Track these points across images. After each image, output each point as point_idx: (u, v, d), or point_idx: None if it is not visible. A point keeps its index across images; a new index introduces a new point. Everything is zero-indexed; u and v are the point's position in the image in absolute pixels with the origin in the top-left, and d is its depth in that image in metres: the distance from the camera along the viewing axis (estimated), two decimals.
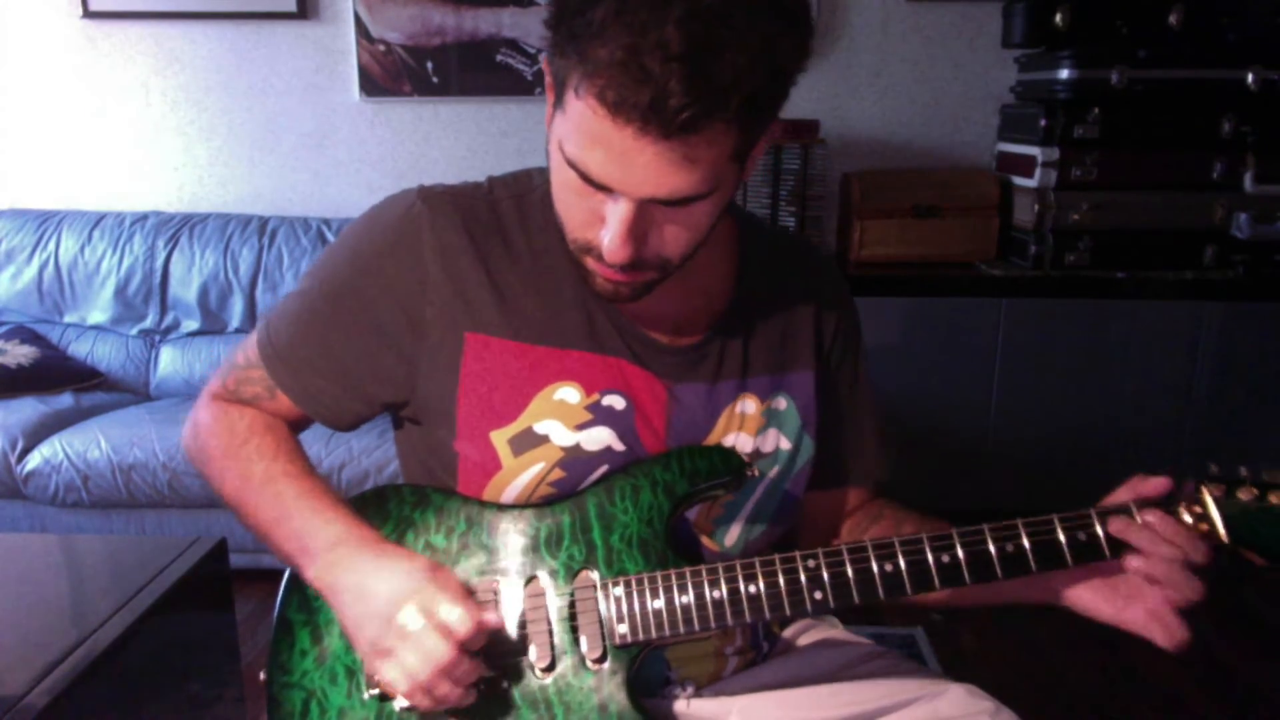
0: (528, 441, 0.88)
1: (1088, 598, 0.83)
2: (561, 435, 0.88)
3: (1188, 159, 2.55)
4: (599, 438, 0.89)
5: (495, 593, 0.86)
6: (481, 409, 0.88)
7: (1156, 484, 0.79)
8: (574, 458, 0.89)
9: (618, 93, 0.67)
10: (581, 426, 0.89)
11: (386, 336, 0.90)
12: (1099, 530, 0.79)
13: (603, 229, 0.77)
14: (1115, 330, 2.52)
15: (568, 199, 0.79)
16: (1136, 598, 0.79)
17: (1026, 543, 0.79)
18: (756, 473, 0.92)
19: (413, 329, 0.89)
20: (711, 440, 0.92)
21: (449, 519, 0.89)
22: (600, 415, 0.89)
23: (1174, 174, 2.56)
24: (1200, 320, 2.50)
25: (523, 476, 0.88)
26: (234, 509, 0.92)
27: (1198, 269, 2.56)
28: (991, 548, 0.80)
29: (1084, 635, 2.27)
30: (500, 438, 0.88)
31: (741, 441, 0.93)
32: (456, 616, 0.77)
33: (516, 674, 0.84)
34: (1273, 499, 0.76)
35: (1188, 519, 0.78)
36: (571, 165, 0.75)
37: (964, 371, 2.57)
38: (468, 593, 0.81)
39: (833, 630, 1.09)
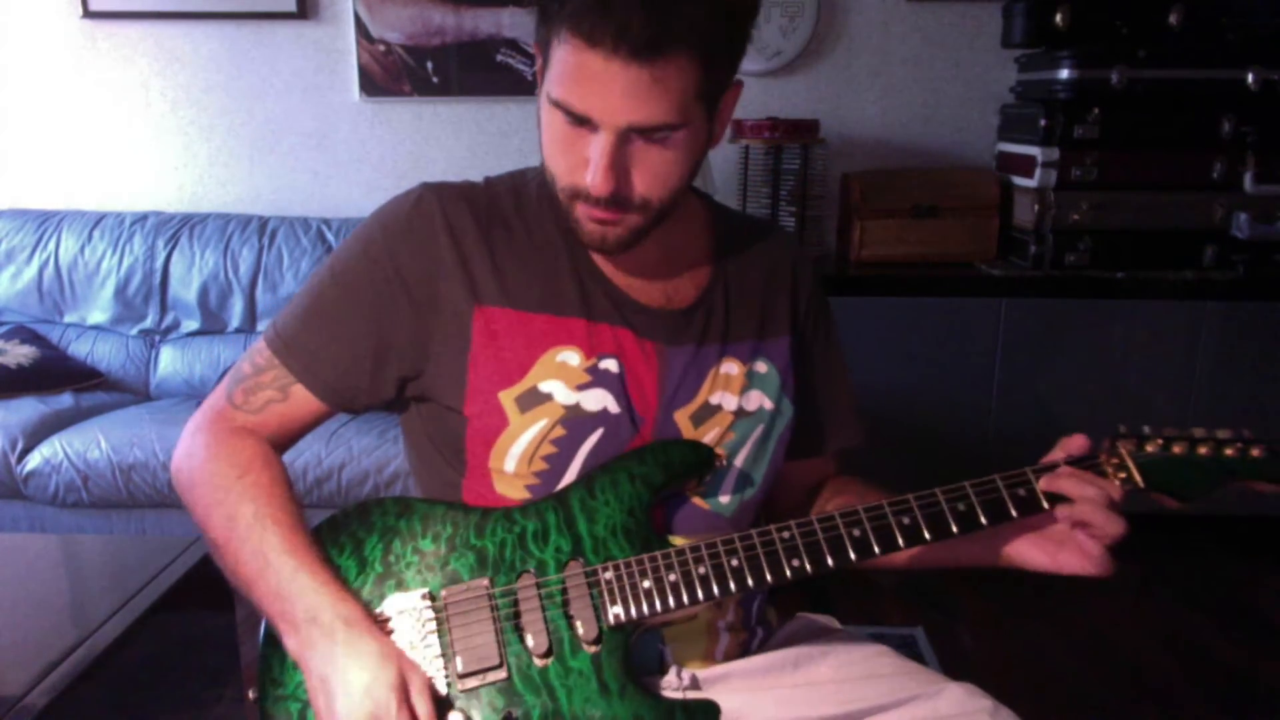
0: (532, 400, 0.93)
1: (1026, 552, 0.90)
2: (563, 394, 0.93)
3: (1188, 159, 2.55)
4: (597, 399, 0.94)
5: (488, 589, 0.88)
6: (490, 372, 0.93)
7: (1079, 442, 0.91)
8: (574, 416, 0.93)
9: (590, 24, 0.78)
10: (581, 387, 0.94)
11: (401, 316, 0.94)
12: (1035, 485, 0.88)
13: (587, 169, 0.84)
14: (1115, 330, 2.52)
15: (555, 149, 0.87)
16: (1067, 544, 0.88)
17: (975, 501, 0.88)
18: (724, 462, 0.97)
19: (427, 306, 0.94)
20: (699, 400, 0.98)
21: (434, 524, 0.92)
22: (598, 378, 0.94)
23: (1174, 174, 2.56)
24: (1200, 320, 2.50)
25: (527, 433, 0.93)
26: (214, 549, 0.90)
27: (1198, 269, 2.56)
28: (945, 508, 0.88)
29: (1084, 635, 2.28)
30: (508, 397, 0.93)
31: (727, 400, 0.98)
32: None
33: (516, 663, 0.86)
34: (1175, 449, 0.90)
35: (1108, 470, 0.89)
36: (556, 105, 0.83)
37: (964, 371, 2.56)
38: (436, 698, 0.83)
39: (832, 629, 1.09)
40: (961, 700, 0.92)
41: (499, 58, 2.87)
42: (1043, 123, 2.53)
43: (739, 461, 0.99)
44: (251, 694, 0.89)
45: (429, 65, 2.88)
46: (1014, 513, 0.87)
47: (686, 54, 0.80)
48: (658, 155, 0.85)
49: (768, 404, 1.00)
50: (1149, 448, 0.90)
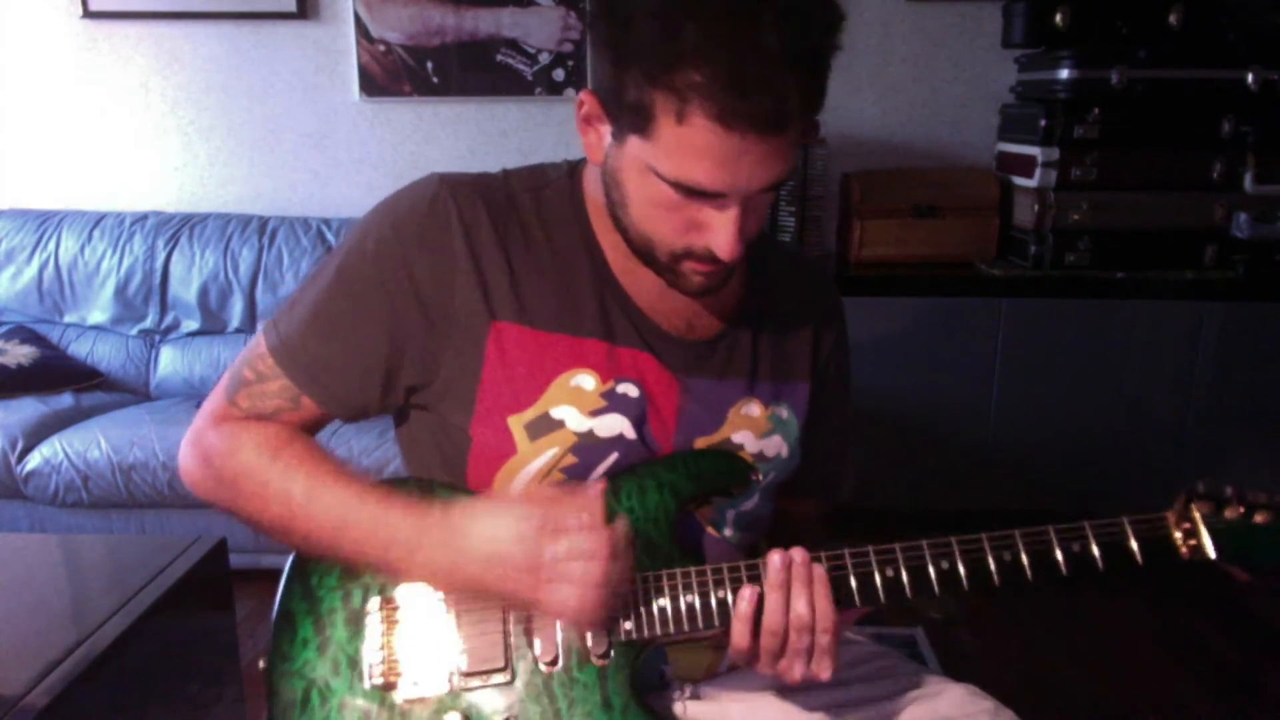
0: (543, 427, 0.89)
1: None
2: (576, 421, 0.89)
3: (1188, 159, 2.55)
4: (612, 425, 0.90)
5: None
6: (501, 394, 0.89)
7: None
8: (587, 444, 0.89)
9: (741, 106, 0.71)
10: (596, 413, 0.89)
11: (413, 327, 0.88)
12: (1093, 543, 0.81)
13: (706, 233, 0.81)
14: (1115, 330, 2.52)
15: (659, 215, 0.82)
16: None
17: (1024, 555, 0.82)
18: (761, 478, 0.93)
19: (441, 318, 0.88)
20: (719, 435, 0.93)
21: None
22: (614, 403, 0.90)
23: (1174, 174, 2.56)
24: (1200, 320, 2.50)
25: (536, 462, 0.89)
26: (278, 533, 0.87)
27: (1198, 269, 2.56)
28: (990, 558, 0.82)
29: (1084, 635, 2.28)
30: (517, 423, 0.89)
31: (749, 441, 0.94)
32: (590, 537, 0.78)
33: (523, 668, 0.85)
34: (1258, 518, 0.80)
35: (1177, 535, 0.81)
36: (676, 184, 0.77)
37: (964, 371, 2.56)
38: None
39: None
40: (962, 701, 0.92)
41: (499, 58, 2.86)
42: (1043, 123, 2.53)
43: (748, 504, 0.96)
44: (262, 663, 0.88)
45: (429, 65, 2.88)
46: (1064, 571, 0.82)
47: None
48: (764, 202, 0.83)
49: (785, 452, 0.97)
50: (1228, 513, 0.81)
